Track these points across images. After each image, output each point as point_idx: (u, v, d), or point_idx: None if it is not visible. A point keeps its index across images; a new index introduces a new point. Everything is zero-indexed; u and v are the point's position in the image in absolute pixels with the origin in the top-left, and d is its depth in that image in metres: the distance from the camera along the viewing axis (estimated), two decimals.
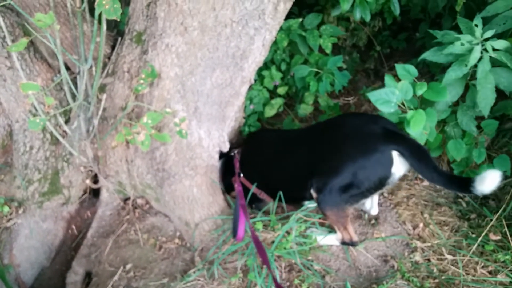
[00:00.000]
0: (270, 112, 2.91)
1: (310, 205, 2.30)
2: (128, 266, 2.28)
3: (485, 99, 2.02)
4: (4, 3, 1.59)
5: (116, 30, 2.45)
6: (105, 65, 2.18)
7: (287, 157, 2.25)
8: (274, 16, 1.88)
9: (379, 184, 1.95)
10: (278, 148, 2.35)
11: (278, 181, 2.31)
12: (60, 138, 2.10)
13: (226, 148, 2.36)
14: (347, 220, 2.07)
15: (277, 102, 2.91)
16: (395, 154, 1.89)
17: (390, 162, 1.89)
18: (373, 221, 2.35)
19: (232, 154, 2.48)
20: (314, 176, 2.03)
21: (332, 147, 2.03)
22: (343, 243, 2.15)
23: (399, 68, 2.17)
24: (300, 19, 2.79)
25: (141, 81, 1.96)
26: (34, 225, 2.42)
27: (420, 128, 2.04)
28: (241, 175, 2.40)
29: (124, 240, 2.40)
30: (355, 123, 2.08)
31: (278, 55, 2.88)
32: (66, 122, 2.32)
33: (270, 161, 2.36)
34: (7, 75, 2.18)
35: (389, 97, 2.09)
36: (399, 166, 1.92)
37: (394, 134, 1.94)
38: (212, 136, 2.26)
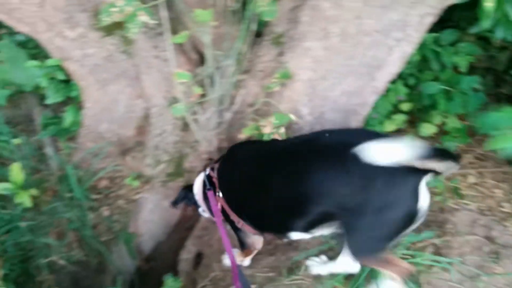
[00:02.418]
0: (389, 126, 2.82)
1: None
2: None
3: None
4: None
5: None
6: (241, 62, 2.30)
7: (274, 175, 1.71)
8: (417, 29, 1.84)
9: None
10: (263, 163, 1.81)
11: (261, 205, 1.80)
12: (193, 126, 2.26)
13: None
14: (387, 257, 1.66)
15: (399, 118, 2.81)
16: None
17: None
18: None
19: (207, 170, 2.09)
20: (336, 212, 1.54)
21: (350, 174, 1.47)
22: (407, 281, 1.78)
23: None
24: (436, 34, 2.67)
25: (274, 80, 2.05)
26: (157, 202, 2.63)
27: None
28: (220, 195, 1.97)
29: None
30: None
31: (407, 69, 2.78)
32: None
33: (251, 180, 1.82)
34: (153, 63, 2.40)
35: None
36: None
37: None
38: None
